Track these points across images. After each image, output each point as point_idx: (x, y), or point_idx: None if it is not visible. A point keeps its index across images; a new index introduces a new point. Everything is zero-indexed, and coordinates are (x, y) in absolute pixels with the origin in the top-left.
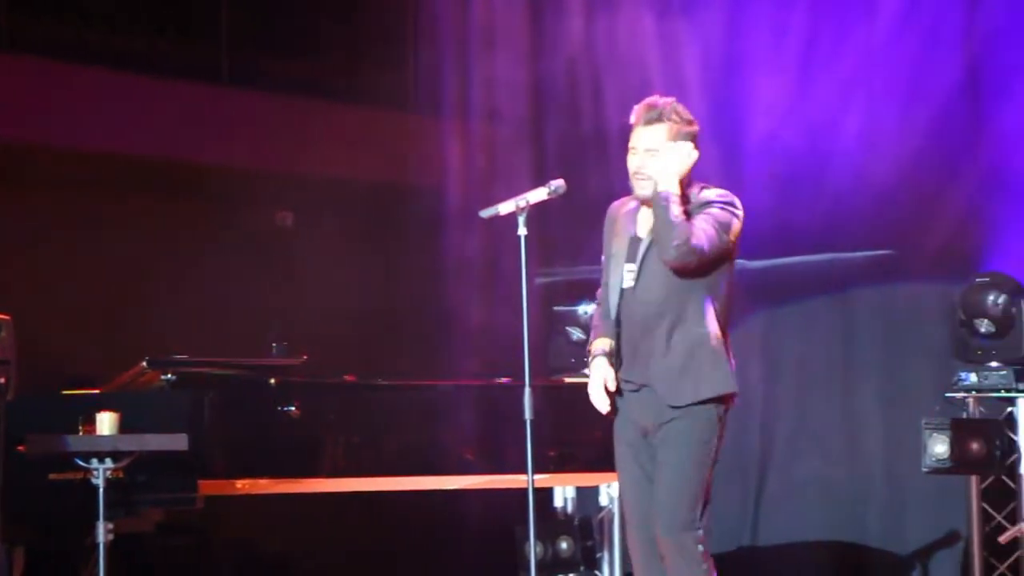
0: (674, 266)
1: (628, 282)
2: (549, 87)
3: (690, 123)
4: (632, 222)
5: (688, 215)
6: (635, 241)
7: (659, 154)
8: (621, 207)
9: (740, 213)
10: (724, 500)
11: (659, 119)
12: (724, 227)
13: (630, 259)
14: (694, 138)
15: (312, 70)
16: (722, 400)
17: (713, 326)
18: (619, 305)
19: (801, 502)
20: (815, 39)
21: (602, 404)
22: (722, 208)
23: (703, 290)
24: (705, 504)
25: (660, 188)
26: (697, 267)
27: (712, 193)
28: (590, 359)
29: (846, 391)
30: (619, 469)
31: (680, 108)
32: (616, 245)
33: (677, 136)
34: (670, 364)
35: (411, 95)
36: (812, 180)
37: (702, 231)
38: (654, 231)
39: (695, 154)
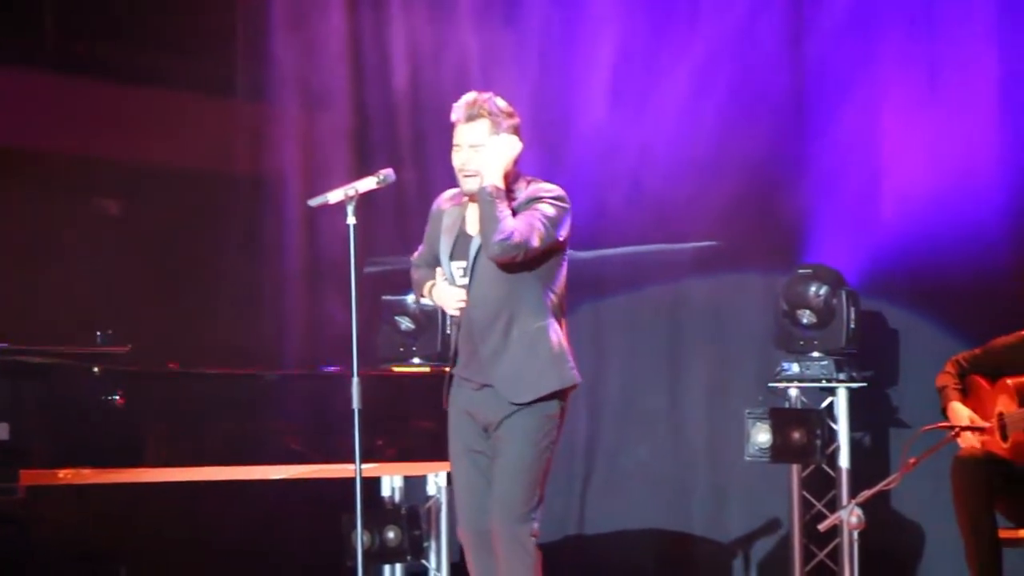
0: (498, 261)
1: (460, 280)
2: (372, 76)
3: (511, 116)
4: (460, 219)
5: (515, 211)
6: (465, 238)
7: (483, 149)
8: (447, 201)
9: (568, 206)
10: (551, 489)
11: (480, 115)
12: (552, 221)
13: (460, 256)
14: (517, 130)
15: (136, 55)
16: (564, 394)
17: (551, 320)
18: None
19: (627, 491)
20: (646, 34)
21: (457, 302)
22: (550, 203)
23: (538, 284)
24: (540, 497)
25: (485, 183)
26: (523, 262)
27: (540, 187)
28: (427, 291)
29: (672, 381)
30: (453, 463)
31: (500, 102)
32: (444, 242)
33: (499, 130)
34: (510, 361)
35: (236, 81)
36: (640, 173)
37: (528, 226)
38: (479, 226)
39: (519, 146)
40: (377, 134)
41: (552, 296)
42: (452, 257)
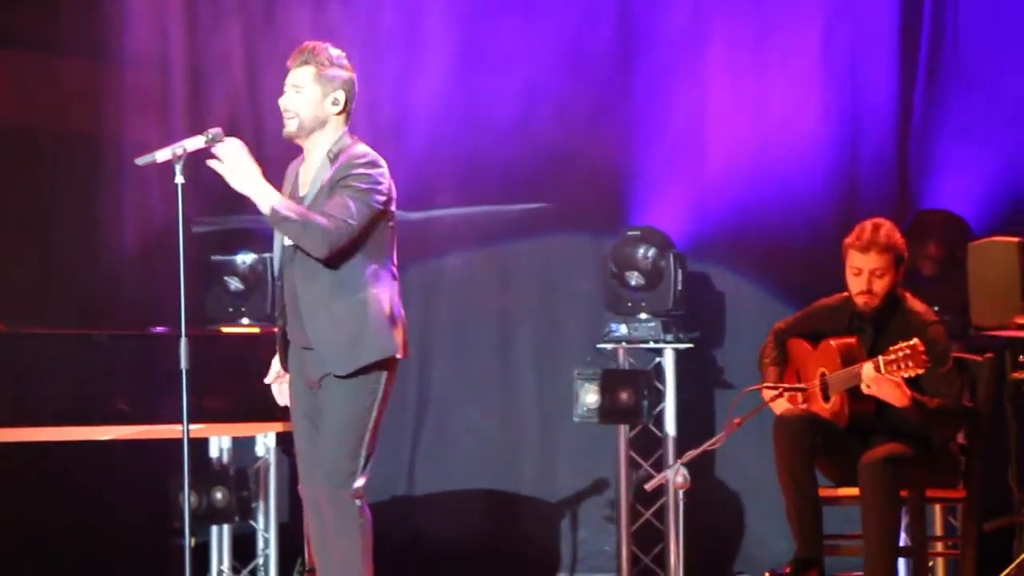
0: (326, 259)
1: (287, 242)
2: (206, 36)
3: (341, 67)
4: (294, 178)
5: (333, 183)
6: (296, 200)
7: (303, 91)
8: (294, 161)
9: (383, 169)
10: (380, 451)
11: (307, 61)
12: (365, 196)
13: None
14: (345, 84)
15: None
16: (386, 363)
17: (376, 287)
18: (282, 261)
19: (457, 452)
20: None
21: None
22: (361, 174)
23: (362, 252)
24: (368, 459)
25: (263, 210)
26: (350, 243)
27: (354, 155)
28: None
29: (502, 342)
30: (292, 420)
31: (332, 52)
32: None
33: (322, 77)
34: (333, 329)
35: (65, 39)
36: (468, 133)
37: (340, 215)
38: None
39: (340, 100)
40: (213, 93)
41: (377, 263)
42: None
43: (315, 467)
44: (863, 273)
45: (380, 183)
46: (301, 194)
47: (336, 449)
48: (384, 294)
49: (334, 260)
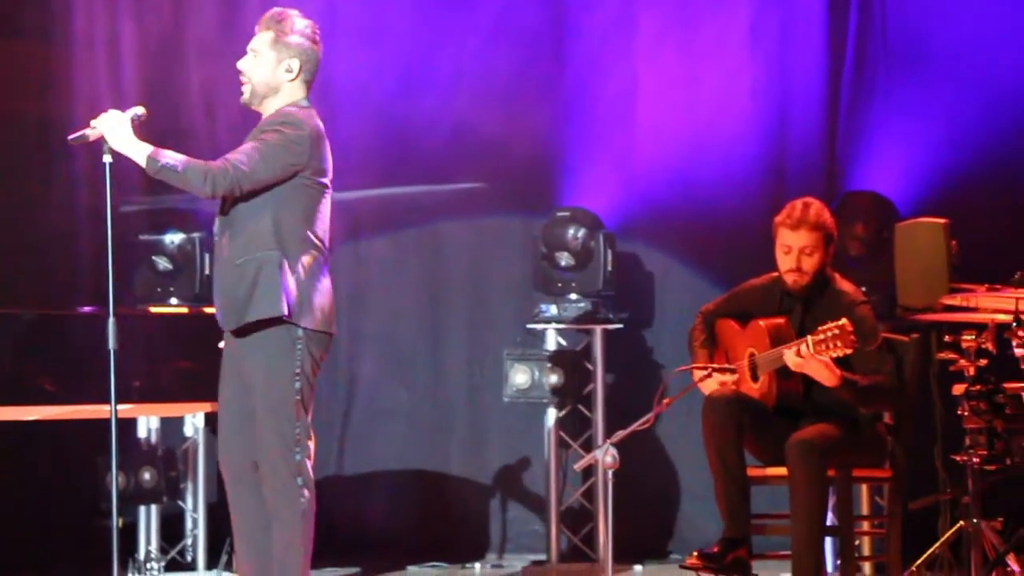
0: (210, 197)
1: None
2: (150, 19)
3: (300, 35)
4: None
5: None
6: None
7: (259, 56)
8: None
9: (303, 132)
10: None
11: (268, 27)
12: (272, 149)
13: None
14: (302, 53)
15: None
16: (294, 325)
17: (283, 249)
18: (216, 234)
19: (387, 431)
20: None
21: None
22: (276, 129)
23: (272, 211)
24: (301, 434)
25: (140, 162)
26: (254, 190)
27: (283, 112)
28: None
29: (433, 322)
30: (219, 400)
31: (296, 21)
32: None
33: (279, 43)
34: (232, 284)
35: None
36: (399, 112)
37: (233, 158)
38: None
39: (294, 68)
40: (157, 74)
41: (291, 226)
42: None
43: (233, 444)
44: (792, 251)
45: (295, 143)
46: None
47: (268, 419)
48: (294, 257)
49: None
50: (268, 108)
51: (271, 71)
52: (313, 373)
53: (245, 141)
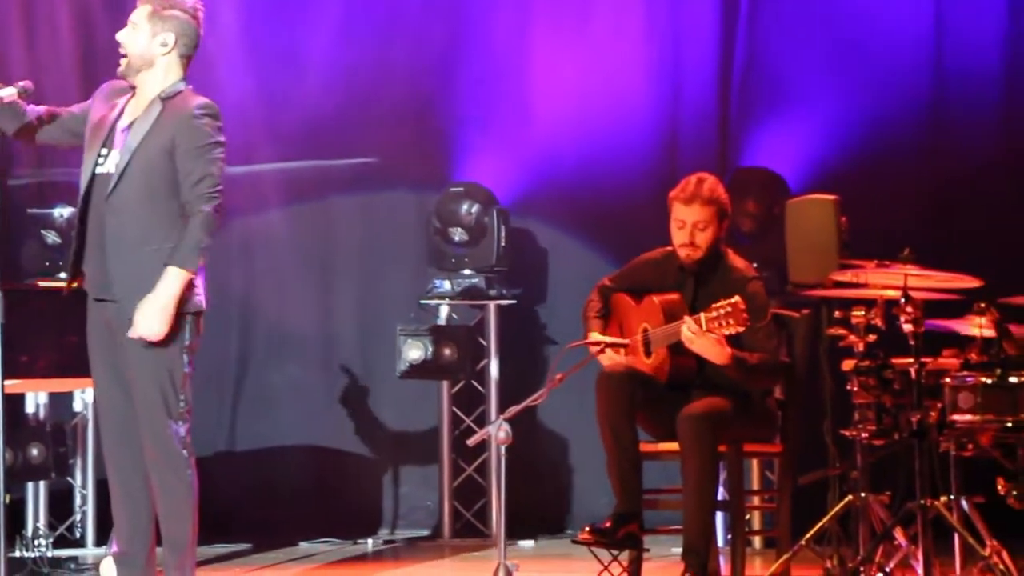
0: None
1: (106, 168)
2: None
3: (178, 9)
4: (121, 109)
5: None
6: (123, 131)
7: (137, 28)
8: (118, 87)
9: (220, 124)
10: (200, 406)
11: (146, 0)
12: (217, 154)
13: (110, 145)
14: (178, 27)
15: None
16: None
17: (176, 231)
18: (89, 190)
19: (278, 407)
20: None
21: None
22: (208, 133)
23: (165, 198)
24: (185, 411)
25: (180, 283)
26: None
27: (198, 106)
28: None
29: (325, 297)
30: (93, 375)
31: None
32: (100, 128)
33: (155, 16)
34: (136, 277)
35: None
36: (291, 88)
37: (208, 190)
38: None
39: (169, 42)
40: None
41: (176, 211)
42: (104, 144)
43: (124, 423)
44: (686, 226)
45: (222, 136)
46: (123, 124)
47: (154, 396)
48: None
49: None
50: (143, 80)
51: (146, 45)
52: (196, 349)
53: (148, 123)
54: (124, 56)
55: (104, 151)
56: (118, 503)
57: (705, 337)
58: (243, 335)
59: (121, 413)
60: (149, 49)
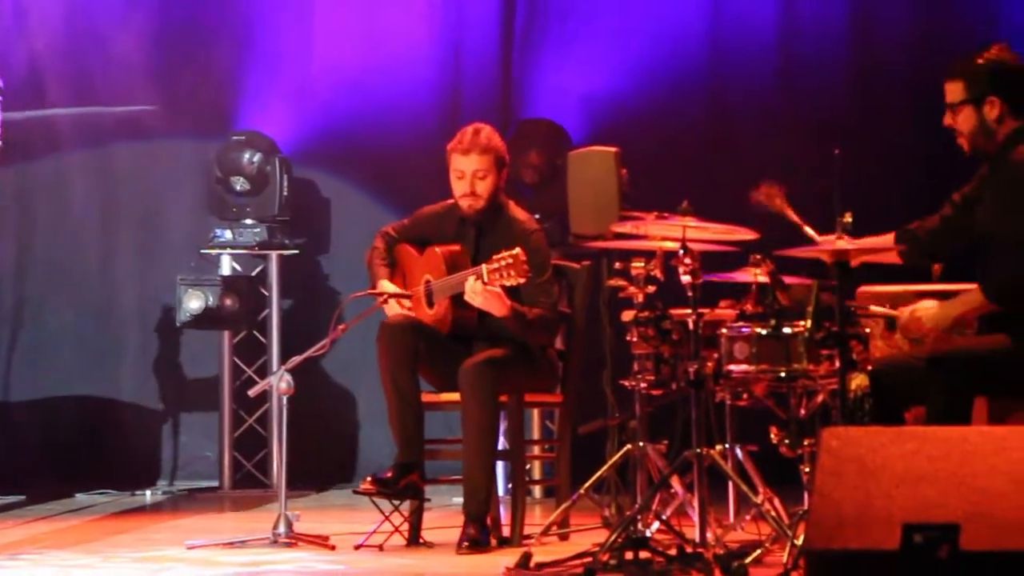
0: None
1: None
2: None
3: None
4: None
5: None
6: None
7: None
8: None
9: None
10: None
11: None
12: None
13: None
14: None
15: None
16: None
17: None
18: None
19: (55, 356)
20: None
21: None
22: None
23: None
24: None
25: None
26: None
27: None
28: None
29: (103, 246)
30: None
31: None
32: None
33: None
34: None
35: None
36: (72, 31)
37: None
38: None
39: None
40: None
41: None
42: None
43: None
44: (466, 176)
45: None
46: None
47: None
48: None
49: None
50: None
51: None
52: None
53: None
54: None
55: None
56: None
57: (484, 290)
58: (18, 282)
59: None
60: None
